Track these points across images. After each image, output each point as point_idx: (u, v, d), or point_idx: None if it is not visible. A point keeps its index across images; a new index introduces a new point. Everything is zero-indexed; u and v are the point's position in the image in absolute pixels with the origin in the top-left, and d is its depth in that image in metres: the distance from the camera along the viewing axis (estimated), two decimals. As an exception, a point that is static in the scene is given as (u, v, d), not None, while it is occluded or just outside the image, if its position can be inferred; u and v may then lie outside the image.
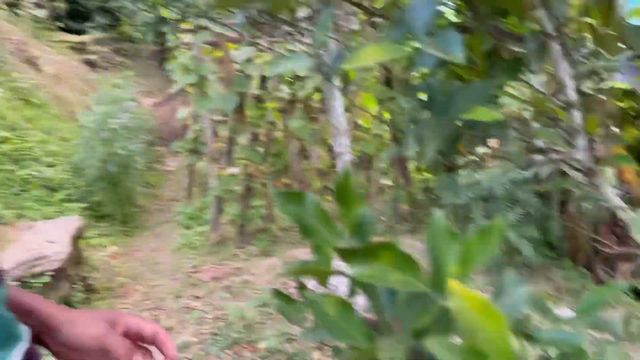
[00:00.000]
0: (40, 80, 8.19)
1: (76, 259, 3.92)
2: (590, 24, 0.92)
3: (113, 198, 5.86)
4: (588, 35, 0.94)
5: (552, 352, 0.62)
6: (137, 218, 6.35)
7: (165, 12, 3.75)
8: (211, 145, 5.65)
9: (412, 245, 3.81)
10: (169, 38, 5.81)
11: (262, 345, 2.94)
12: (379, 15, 1.00)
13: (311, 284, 0.69)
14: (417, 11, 0.63)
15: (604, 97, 1.09)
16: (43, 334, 0.63)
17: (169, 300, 3.82)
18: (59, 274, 3.51)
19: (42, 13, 10.56)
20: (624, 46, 0.89)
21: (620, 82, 1.18)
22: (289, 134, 5.21)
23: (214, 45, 4.74)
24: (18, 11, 10.07)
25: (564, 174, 1.02)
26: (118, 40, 13.50)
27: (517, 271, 1.09)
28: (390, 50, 0.62)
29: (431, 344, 0.38)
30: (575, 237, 3.94)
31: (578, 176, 0.79)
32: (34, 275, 3.37)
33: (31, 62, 7.76)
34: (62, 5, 12.18)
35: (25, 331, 0.57)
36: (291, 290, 3.31)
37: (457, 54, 0.59)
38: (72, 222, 4.25)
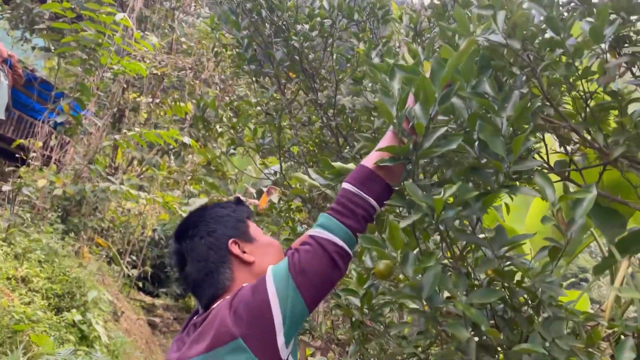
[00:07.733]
0: (115, 331, 8.87)
1: None
2: None
3: None
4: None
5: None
6: None
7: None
8: None
9: None
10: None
11: None
12: None
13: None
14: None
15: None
16: None
17: None
18: None
19: (133, 273, 12.01)
20: None
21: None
22: None
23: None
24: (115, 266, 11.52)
25: None
26: (182, 310, 14.47)
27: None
28: None
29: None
30: None
31: None
32: None
33: (116, 315, 8.65)
34: (148, 269, 13.71)
35: None
36: None
37: None
38: None
